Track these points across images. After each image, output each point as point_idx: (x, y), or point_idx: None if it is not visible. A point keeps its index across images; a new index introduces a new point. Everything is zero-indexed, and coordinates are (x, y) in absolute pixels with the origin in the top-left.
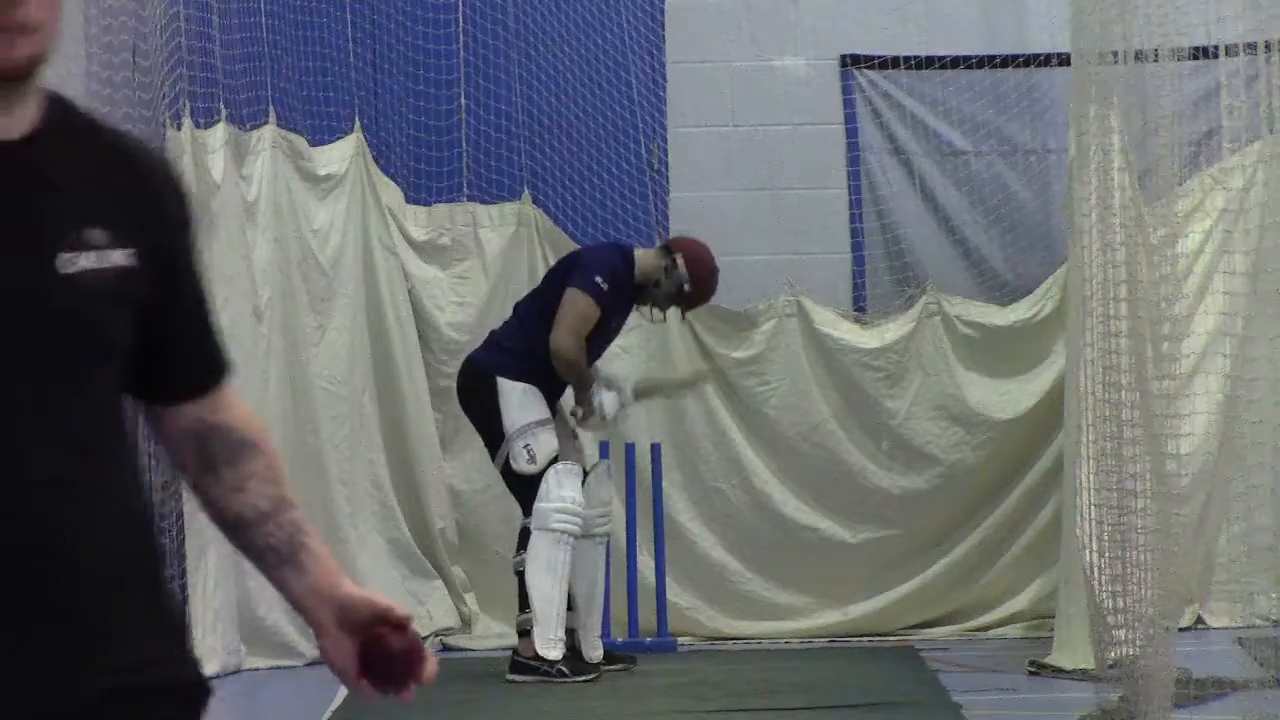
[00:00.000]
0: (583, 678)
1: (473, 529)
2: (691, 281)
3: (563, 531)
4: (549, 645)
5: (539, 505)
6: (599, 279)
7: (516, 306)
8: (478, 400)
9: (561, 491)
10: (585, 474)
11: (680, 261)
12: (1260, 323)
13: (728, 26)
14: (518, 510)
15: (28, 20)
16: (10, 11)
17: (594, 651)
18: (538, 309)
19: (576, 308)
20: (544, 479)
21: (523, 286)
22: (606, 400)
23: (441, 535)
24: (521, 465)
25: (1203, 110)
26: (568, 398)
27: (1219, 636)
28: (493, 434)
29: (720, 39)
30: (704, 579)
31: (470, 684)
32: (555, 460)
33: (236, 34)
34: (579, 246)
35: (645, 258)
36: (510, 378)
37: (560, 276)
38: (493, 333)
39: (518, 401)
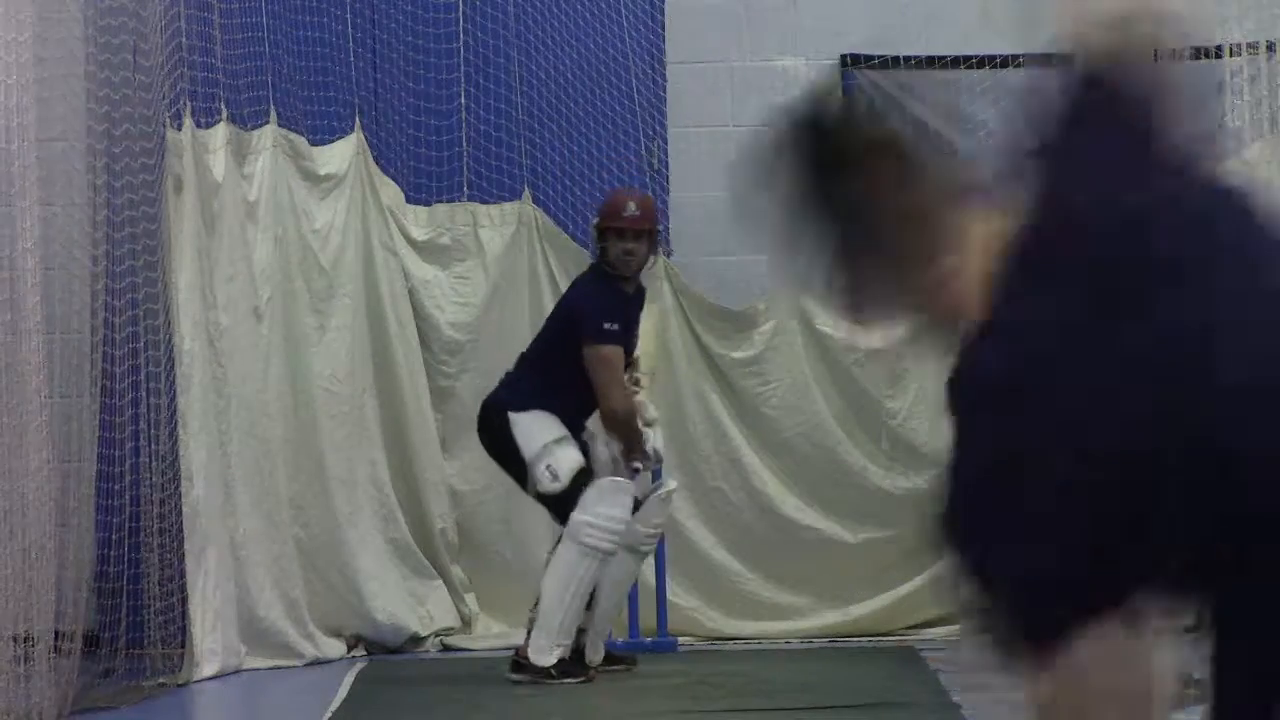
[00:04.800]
0: (573, 680)
1: (473, 529)
2: (598, 218)
3: (592, 547)
4: (541, 651)
5: (574, 516)
6: (606, 324)
7: (523, 356)
8: (493, 438)
9: (599, 508)
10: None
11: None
12: None
13: (728, 26)
14: (518, 510)
15: None
16: None
17: (595, 655)
18: (550, 354)
19: (607, 365)
20: (585, 493)
21: (523, 286)
22: (657, 441)
23: (441, 535)
24: (546, 486)
25: (1203, 110)
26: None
27: None
28: (516, 467)
29: (720, 39)
30: (704, 579)
31: (470, 684)
32: (581, 473)
33: (238, 34)
34: (579, 249)
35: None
36: (517, 410)
37: (564, 326)
38: (507, 373)
39: (529, 427)
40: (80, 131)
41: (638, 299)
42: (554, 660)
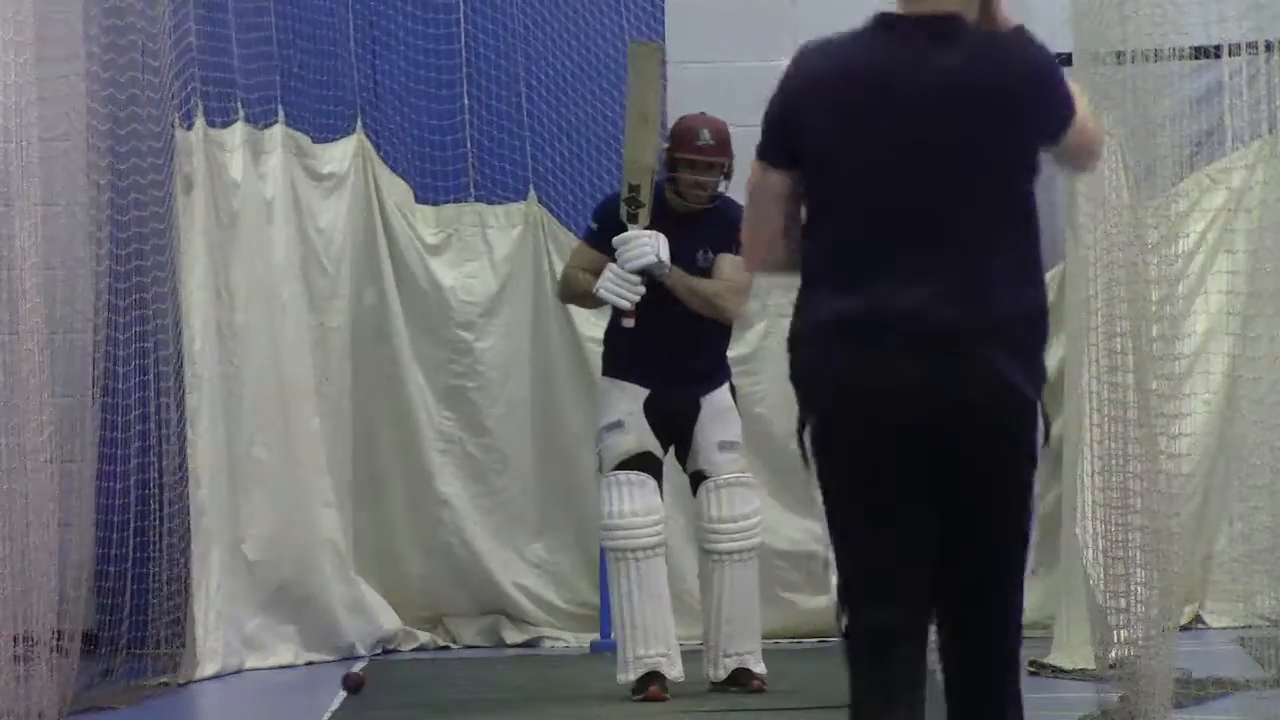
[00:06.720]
0: (636, 697)
1: (478, 530)
2: (668, 144)
3: (612, 549)
4: (621, 668)
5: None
6: (592, 223)
7: None
8: None
9: (603, 507)
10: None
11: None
12: (1260, 322)
13: (728, 26)
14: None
15: None
16: None
17: (713, 671)
18: None
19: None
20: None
21: (530, 286)
22: (661, 250)
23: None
24: (598, 473)
25: (1203, 110)
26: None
27: (1219, 636)
28: None
29: (720, 39)
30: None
31: (470, 684)
32: (625, 461)
33: (250, 33)
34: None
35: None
36: (603, 372)
37: None
38: None
39: (598, 402)
40: (82, 131)
41: (697, 223)
42: (632, 676)
